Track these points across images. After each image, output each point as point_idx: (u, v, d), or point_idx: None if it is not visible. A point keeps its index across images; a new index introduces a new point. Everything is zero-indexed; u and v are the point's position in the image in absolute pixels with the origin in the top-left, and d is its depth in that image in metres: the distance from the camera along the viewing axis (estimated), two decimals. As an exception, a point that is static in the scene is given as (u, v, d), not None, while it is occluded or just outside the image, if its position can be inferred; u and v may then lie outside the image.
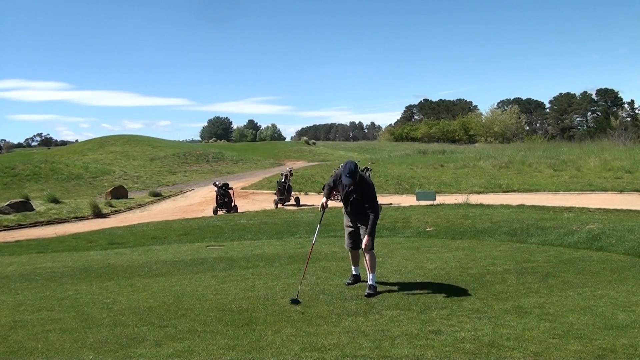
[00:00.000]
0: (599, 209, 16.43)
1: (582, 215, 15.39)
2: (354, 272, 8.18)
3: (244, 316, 6.52)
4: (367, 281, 7.63)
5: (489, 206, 18.28)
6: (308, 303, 7.03)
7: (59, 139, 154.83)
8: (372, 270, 7.58)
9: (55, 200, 25.16)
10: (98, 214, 23.17)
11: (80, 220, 22.13)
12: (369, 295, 7.27)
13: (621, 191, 21.53)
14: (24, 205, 22.84)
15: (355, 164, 7.67)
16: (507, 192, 23.12)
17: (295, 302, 7.07)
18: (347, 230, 8.04)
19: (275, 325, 6.11)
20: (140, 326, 6.24)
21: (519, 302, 6.82)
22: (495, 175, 26.95)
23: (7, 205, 22.40)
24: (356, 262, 8.19)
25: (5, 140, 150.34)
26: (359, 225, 7.84)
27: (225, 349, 5.40)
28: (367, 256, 7.61)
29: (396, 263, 9.49)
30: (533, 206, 17.89)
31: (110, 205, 25.53)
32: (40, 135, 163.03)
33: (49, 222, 21.26)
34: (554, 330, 5.67)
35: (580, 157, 29.11)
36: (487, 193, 23.10)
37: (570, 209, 16.78)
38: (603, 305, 6.58)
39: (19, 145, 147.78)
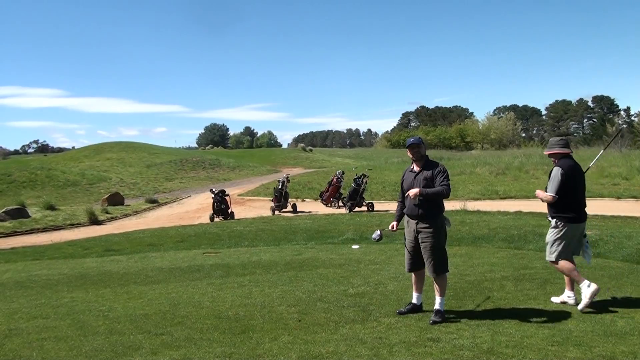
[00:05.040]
0: (597, 215, 16.40)
1: (579, 221, 15.35)
2: (414, 301, 6.95)
3: (240, 324, 6.47)
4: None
5: (486, 213, 18.28)
6: (305, 310, 6.99)
7: (55, 146, 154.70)
8: (442, 294, 6.62)
9: (52, 207, 25.10)
10: (94, 221, 23.12)
11: (76, 227, 22.09)
12: (434, 323, 6.32)
13: (618, 197, 21.54)
14: (20, 212, 22.77)
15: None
16: (505, 198, 23.12)
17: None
18: (408, 246, 6.84)
19: (272, 333, 6.06)
20: (136, 334, 6.18)
21: (517, 309, 6.77)
22: (492, 182, 26.97)
23: (2, 212, 22.34)
24: (419, 287, 6.96)
25: (1, 147, 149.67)
26: (421, 236, 6.61)
27: (221, 357, 5.35)
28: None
29: (394, 270, 9.45)
30: (530, 213, 17.86)
31: (107, 212, 25.48)
32: (36, 142, 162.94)
33: (44, 229, 21.21)
34: (553, 338, 5.64)
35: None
36: (484, 199, 23.07)
37: (567, 216, 16.74)
38: (602, 312, 6.54)
39: (15, 152, 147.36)
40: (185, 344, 5.78)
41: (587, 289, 6.64)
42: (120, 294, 8.41)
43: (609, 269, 9.05)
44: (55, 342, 6.00)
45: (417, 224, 6.62)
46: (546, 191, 7.05)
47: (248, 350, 5.53)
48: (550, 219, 7.08)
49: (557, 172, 6.87)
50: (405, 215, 6.85)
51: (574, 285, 7.05)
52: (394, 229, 6.97)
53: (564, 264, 6.91)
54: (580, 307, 6.69)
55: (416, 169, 6.73)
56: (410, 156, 6.76)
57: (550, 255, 7.00)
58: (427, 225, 6.56)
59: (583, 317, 6.35)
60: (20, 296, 8.62)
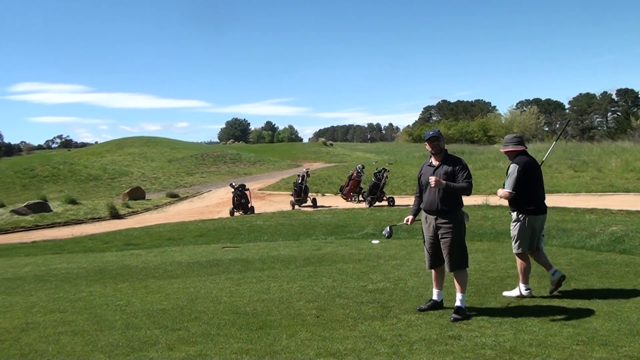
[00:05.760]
0: (622, 210, 16.06)
1: (604, 217, 15.05)
2: (434, 297, 6.81)
3: (258, 319, 6.39)
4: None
5: (508, 208, 17.94)
6: (324, 306, 6.89)
7: (78, 141, 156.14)
8: (462, 290, 6.48)
9: (73, 202, 25.28)
10: (115, 215, 23.24)
11: (97, 221, 22.22)
12: (455, 320, 6.16)
13: (644, 192, 21.09)
14: (42, 206, 22.97)
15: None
16: (527, 193, 22.74)
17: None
18: (427, 242, 6.69)
19: (290, 329, 5.97)
20: (152, 329, 6.14)
21: (540, 307, 6.61)
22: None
23: (24, 206, 22.56)
24: (439, 283, 6.81)
25: (25, 142, 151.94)
26: (441, 232, 6.46)
27: (238, 353, 5.28)
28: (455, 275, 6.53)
29: (414, 265, 9.30)
30: (554, 207, 17.48)
31: (128, 207, 25.60)
32: (60, 137, 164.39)
33: (66, 223, 21.37)
34: (578, 337, 5.46)
35: (601, 158, 28.57)
36: (506, 195, 22.64)
37: (592, 211, 16.42)
38: (628, 310, 6.32)
39: (39, 147, 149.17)
40: (202, 339, 5.72)
41: (524, 291, 7.10)
42: (139, 289, 8.38)
43: (634, 265, 8.78)
44: (72, 337, 5.98)
45: (436, 219, 6.47)
46: (504, 188, 7.22)
47: (265, 346, 5.45)
48: (511, 212, 7.27)
49: (514, 168, 7.06)
50: (423, 211, 6.70)
51: (528, 278, 7.29)
52: (409, 222, 6.81)
53: (524, 259, 7.16)
54: (505, 293, 7.20)
55: (435, 163, 6.57)
56: (429, 149, 6.59)
57: (518, 249, 7.15)
58: (446, 220, 6.41)
59: (609, 315, 6.14)
60: (39, 290, 8.64)
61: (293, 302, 7.17)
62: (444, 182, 6.30)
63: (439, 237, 6.46)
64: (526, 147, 7.43)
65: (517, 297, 7.05)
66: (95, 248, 14.03)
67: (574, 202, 19.00)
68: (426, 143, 6.59)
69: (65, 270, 10.34)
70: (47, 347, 5.67)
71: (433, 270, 6.75)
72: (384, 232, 7.24)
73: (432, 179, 6.30)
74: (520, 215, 7.10)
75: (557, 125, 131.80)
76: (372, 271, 8.97)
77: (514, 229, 7.17)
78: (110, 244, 14.67)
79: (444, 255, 6.47)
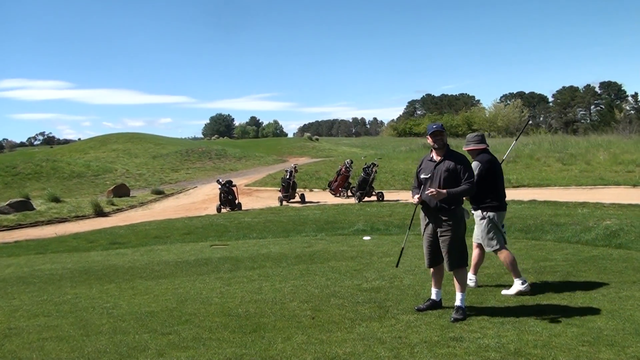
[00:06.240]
0: (614, 204, 16.00)
1: (596, 210, 14.97)
2: (433, 297, 6.58)
3: (251, 322, 6.16)
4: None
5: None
6: (319, 307, 6.67)
7: (61, 138, 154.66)
8: (462, 290, 6.28)
9: (56, 200, 24.81)
10: (99, 213, 22.84)
11: (81, 219, 21.83)
12: (455, 320, 5.96)
13: (634, 185, 20.97)
14: (24, 205, 22.51)
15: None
16: (517, 187, 22.62)
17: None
18: (426, 240, 6.45)
19: (285, 332, 5.74)
20: (141, 333, 5.89)
21: (541, 305, 6.42)
22: (503, 170, 26.29)
23: (6, 204, 22.07)
24: (438, 282, 6.56)
25: (7, 139, 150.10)
26: (440, 229, 6.25)
27: (232, 359, 5.06)
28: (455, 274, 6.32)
29: (408, 262, 9.08)
30: (545, 201, 17.48)
31: (112, 204, 25.20)
32: (42, 134, 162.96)
33: (49, 222, 20.95)
34: (583, 337, 5.29)
35: (588, 151, 28.54)
36: (496, 188, 22.49)
37: (584, 204, 16.35)
38: (630, 307, 6.17)
39: (22, 145, 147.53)
40: (193, 344, 5.48)
41: (521, 285, 6.96)
42: (126, 290, 8.12)
43: (632, 260, 8.64)
44: (57, 343, 5.73)
45: (434, 216, 6.25)
46: None
47: (260, 351, 5.23)
48: (474, 211, 7.25)
49: (476, 166, 7.07)
50: (422, 208, 6.48)
51: (477, 269, 7.48)
52: (419, 199, 6.32)
53: (506, 254, 7.08)
54: (503, 292, 7.06)
55: (436, 158, 6.31)
56: (432, 143, 6.30)
57: (495, 246, 7.12)
58: (445, 217, 6.19)
59: (612, 314, 5.98)
60: (22, 292, 8.35)
61: (287, 302, 6.94)
62: (444, 191, 6.04)
63: (438, 234, 6.24)
64: (488, 146, 7.51)
65: (517, 293, 6.91)
66: (80, 247, 13.70)
67: (565, 195, 18.94)
68: (428, 137, 6.32)
69: (49, 271, 10.04)
70: (31, 355, 5.41)
71: (432, 269, 6.53)
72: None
73: (429, 191, 6.04)
74: (486, 213, 7.11)
75: (541, 119, 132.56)
76: (365, 269, 8.76)
77: (485, 229, 7.13)
78: (95, 242, 14.35)
79: (443, 254, 6.25)
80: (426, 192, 6.07)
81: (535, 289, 7.13)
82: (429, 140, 6.33)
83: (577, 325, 5.65)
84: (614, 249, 9.65)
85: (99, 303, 7.37)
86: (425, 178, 6.27)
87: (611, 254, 9.21)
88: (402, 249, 7.10)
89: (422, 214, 6.48)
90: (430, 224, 6.31)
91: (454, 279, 6.29)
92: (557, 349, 5.01)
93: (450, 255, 6.18)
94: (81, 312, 6.93)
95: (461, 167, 6.16)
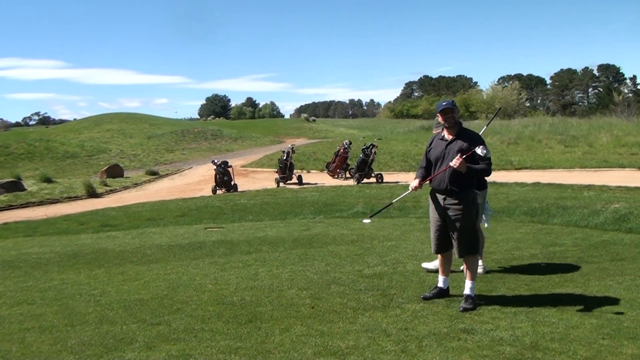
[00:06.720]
0: (620, 187, 15.62)
1: (602, 193, 14.58)
2: (440, 284, 6.22)
3: (247, 311, 5.77)
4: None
5: (502, 184, 17.43)
6: (318, 295, 6.28)
7: (56, 118, 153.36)
8: (472, 277, 5.88)
9: (48, 180, 24.29)
10: (92, 194, 22.33)
11: (73, 200, 21.33)
12: (465, 310, 5.61)
13: (640, 167, 20.67)
14: (15, 185, 22.02)
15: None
16: (520, 169, 22.21)
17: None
18: (434, 225, 6.08)
19: (283, 323, 5.36)
20: (129, 323, 5.51)
21: (555, 294, 6.05)
22: (505, 152, 25.88)
23: (-3, 185, 21.62)
24: (446, 269, 6.21)
25: (2, 119, 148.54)
26: (450, 213, 5.83)
27: (226, 352, 4.69)
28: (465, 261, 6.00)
29: (411, 247, 8.71)
30: (549, 184, 17.05)
31: (105, 185, 24.73)
32: (37, 114, 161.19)
33: (40, 203, 20.46)
34: (602, 329, 4.93)
35: (590, 133, 28.12)
36: (498, 170, 21.98)
37: (589, 187, 15.95)
38: (649, 297, 5.81)
39: (17, 124, 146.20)
40: (185, 336, 5.10)
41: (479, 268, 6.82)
42: (115, 275, 7.72)
43: (645, 245, 8.28)
44: (39, 334, 5.34)
45: (444, 199, 5.84)
46: None
47: (256, 344, 4.85)
48: None
49: None
50: (430, 191, 6.08)
51: (482, 254, 7.19)
52: (419, 186, 5.99)
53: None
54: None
55: (447, 137, 5.88)
56: (442, 122, 5.86)
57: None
58: (456, 201, 5.77)
59: (630, 304, 5.62)
60: (7, 277, 7.94)
61: (284, 290, 6.55)
62: (466, 164, 5.60)
63: (447, 219, 5.84)
64: None
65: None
66: (70, 230, 13.27)
67: (570, 178, 18.55)
68: (438, 115, 5.87)
69: (37, 255, 9.62)
70: (11, 347, 5.04)
71: (439, 255, 6.13)
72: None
73: (454, 162, 5.57)
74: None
75: (539, 101, 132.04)
76: (366, 254, 8.36)
77: None
78: (86, 225, 13.92)
79: (453, 240, 5.84)
80: (451, 163, 5.60)
81: (546, 275, 6.79)
82: (439, 119, 5.89)
83: (595, 316, 5.30)
84: (625, 234, 9.27)
85: (86, 290, 6.97)
86: (437, 158, 5.85)
87: (622, 238, 8.84)
88: (390, 204, 6.88)
89: (430, 197, 6.07)
90: (439, 208, 5.89)
91: (464, 266, 5.90)
92: (575, 342, 4.67)
93: (460, 242, 5.77)
94: (67, 300, 6.54)
95: (475, 146, 5.72)
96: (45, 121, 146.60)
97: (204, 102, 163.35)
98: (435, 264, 6.98)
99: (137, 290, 6.79)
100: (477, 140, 5.77)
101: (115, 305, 6.17)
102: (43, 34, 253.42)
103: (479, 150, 5.63)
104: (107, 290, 6.91)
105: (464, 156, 5.58)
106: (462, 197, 5.75)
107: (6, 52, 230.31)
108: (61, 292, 6.90)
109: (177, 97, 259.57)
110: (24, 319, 5.87)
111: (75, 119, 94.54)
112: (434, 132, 6.94)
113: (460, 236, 5.76)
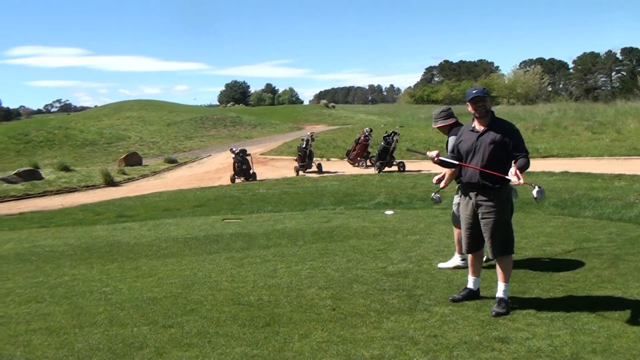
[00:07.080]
0: (649, 177, 15.08)
1: (634, 183, 13.99)
2: (470, 285, 5.79)
3: (264, 312, 5.45)
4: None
5: (529, 173, 16.87)
6: (340, 295, 5.94)
7: (78, 105, 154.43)
8: (506, 280, 5.46)
9: (66, 168, 24.16)
10: (110, 183, 22.17)
11: (91, 189, 21.18)
12: (497, 315, 5.20)
13: (668, 156, 20.00)
14: (33, 174, 21.88)
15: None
16: (546, 157, 21.58)
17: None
18: (465, 222, 5.64)
19: (303, 327, 5.03)
20: (140, 326, 5.22)
21: (592, 297, 5.61)
22: (530, 139, 25.08)
23: (14, 174, 21.46)
24: (477, 270, 5.77)
25: (24, 106, 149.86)
26: (482, 211, 5.41)
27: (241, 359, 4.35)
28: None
29: (436, 241, 8.31)
30: (578, 173, 16.48)
31: (124, 173, 24.55)
32: (59, 101, 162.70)
33: (58, 192, 20.31)
34: (648, 339, 4.52)
35: (617, 119, 27.33)
36: (524, 158, 21.48)
37: (619, 177, 15.33)
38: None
39: (39, 112, 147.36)
40: (198, 340, 4.80)
41: (460, 261, 6.80)
42: (128, 271, 7.44)
43: (686, 242, 7.80)
44: (46, 336, 5.09)
45: (476, 195, 5.41)
46: None
47: (273, 351, 4.54)
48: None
49: (452, 140, 6.38)
50: (461, 186, 5.67)
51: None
52: (437, 156, 5.54)
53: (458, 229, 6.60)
54: (440, 265, 6.97)
55: (479, 127, 5.42)
56: (472, 112, 5.40)
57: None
58: (488, 197, 5.34)
59: (677, 308, 5.19)
60: (17, 272, 7.70)
61: (304, 289, 6.21)
62: (517, 170, 5.01)
63: (480, 216, 5.41)
64: (456, 118, 6.92)
65: (454, 268, 6.80)
66: (86, 220, 13.03)
67: (599, 167, 17.94)
68: (468, 104, 5.39)
69: (50, 247, 9.38)
70: (15, 351, 4.79)
71: (470, 255, 5.73)
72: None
73: (515, 181, 4.99)
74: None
75: (561, 85, 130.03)
76: (390, 249, 7.98)
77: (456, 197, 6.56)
78: (102, 215, 13.68)
79: (486, 239, 5.42)
80: (512, 180, 5.05)
81: (581, 275, 6.35)
82: (469, 108, 5.42)
83: (639, 323, 4.87)
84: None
85: (97, 287, 6.70)
86: (467, 151, 5.43)
87: (659, 233, 8.35)
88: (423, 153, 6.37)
89: (461, 193, 5.67)
90: (471, 204, 5.47)
91: (497, 267, 5.47)
92: (620, 354, 4.28)
93: (493, 241, 5.35)
94: (77, 298, 6.27)
95: (510, 138, 5.27)
96: (66, 108, 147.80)
97: (224, 88, 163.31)
98: (453, 262, 6.84)
99: (150, 288, 6.51)
100: (512, 131, 5.33)
101: (127, 305, 5.89)
102: (65, 22, 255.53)
103: (534, 193, 5.15)
104: (119, 287, 6.63)
105: (515, 171, 5.02)
106: (495, 194, 5.33)
107: (28, 40, 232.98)
108: (72, 289, 6.64)
109: (197, 83, 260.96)
110: (31, 318, 5.62)
111: (96, 106, 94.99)
112: (434, 126, 6.87)
113: (493, 236, 5.34)
